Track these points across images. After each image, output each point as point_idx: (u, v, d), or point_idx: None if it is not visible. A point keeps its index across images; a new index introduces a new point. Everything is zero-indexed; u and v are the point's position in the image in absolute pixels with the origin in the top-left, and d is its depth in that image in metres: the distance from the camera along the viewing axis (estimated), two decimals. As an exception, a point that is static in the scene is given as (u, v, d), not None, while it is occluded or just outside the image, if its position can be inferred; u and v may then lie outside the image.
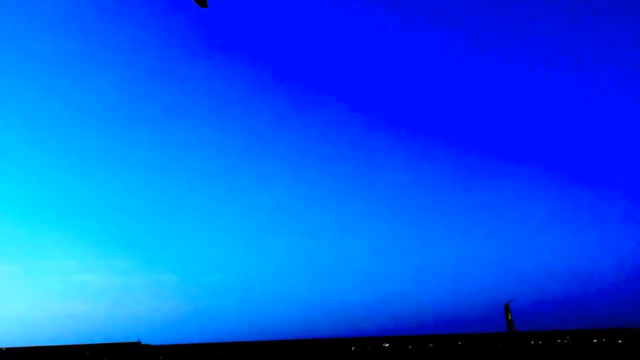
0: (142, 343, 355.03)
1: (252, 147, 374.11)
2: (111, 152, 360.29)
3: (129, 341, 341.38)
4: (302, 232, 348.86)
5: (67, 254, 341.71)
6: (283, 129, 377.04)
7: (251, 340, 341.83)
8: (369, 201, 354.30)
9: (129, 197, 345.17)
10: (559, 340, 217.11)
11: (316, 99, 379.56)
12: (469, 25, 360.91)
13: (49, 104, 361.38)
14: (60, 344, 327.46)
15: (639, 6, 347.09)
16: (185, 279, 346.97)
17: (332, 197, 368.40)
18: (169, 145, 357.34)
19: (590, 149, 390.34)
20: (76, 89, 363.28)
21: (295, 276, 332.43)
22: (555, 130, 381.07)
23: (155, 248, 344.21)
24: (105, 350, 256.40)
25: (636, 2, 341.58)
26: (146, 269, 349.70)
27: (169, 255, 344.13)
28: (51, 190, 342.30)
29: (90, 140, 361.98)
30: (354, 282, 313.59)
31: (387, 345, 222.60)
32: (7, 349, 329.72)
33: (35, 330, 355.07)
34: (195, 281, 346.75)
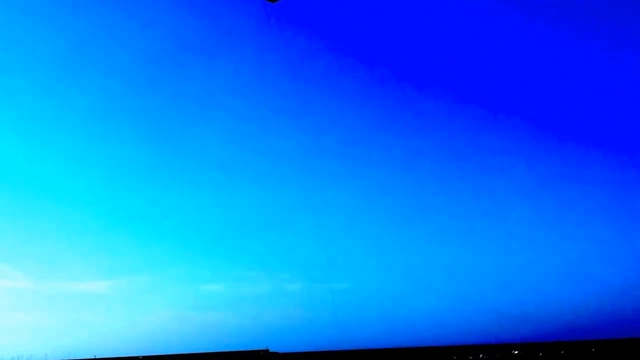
0: (270, 351, 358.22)
1: (375, 153, 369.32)
2: (229, 163, 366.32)
3: (257, 349, 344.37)
4: (431, 236, 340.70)
5: (195, 264, 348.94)
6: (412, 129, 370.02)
7: (379, 347, 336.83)
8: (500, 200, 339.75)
9: (250, 207, 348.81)
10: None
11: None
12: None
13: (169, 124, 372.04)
14: (194, 352, 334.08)
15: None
16: (310, 286, 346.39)
17: (463, 200, 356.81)
18: (289, 152, 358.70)
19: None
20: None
21: (426, 283, 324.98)
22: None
23: (281, 256, 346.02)
24: (235, 358, 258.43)
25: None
26: (271, 278, 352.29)
27: (293, 262, 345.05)
28: (175, 202, 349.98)
29: (209, 153, 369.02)
30: (487, 287, 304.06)
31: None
32: (145, 357, 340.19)
33: (169, 337, 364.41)
34: (320, 289, 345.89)
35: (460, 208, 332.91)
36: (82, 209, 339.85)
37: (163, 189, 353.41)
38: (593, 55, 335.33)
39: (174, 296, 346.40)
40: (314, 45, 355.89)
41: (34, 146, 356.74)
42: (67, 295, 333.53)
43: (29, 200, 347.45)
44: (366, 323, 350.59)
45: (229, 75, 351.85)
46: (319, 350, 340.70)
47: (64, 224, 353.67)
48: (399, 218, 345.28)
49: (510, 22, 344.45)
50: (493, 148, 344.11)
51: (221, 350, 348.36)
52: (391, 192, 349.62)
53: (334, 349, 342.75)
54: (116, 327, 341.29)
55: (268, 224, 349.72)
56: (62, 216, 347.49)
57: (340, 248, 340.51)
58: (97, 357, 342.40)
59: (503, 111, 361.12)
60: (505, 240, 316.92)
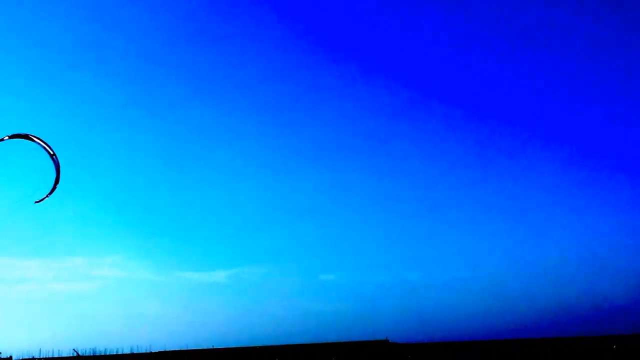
0: (389, 341, 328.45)
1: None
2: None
3: (377, 339, 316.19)
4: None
5: (310, 254, 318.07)
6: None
7: (493, 338, 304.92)
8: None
9: (365, 194, 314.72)
10: None
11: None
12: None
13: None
14: (309, 342, 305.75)
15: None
16: (429, 276, 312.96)
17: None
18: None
19: None
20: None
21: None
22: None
23: (402, 245, 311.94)
24: (355, 348, 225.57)
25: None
26: (391, 267, 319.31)
27: (412, 252, 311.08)
28: (291, 191, 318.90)
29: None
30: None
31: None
32: (262, 347, 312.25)
33: (285, 328, 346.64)
34: (441, 277, 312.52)
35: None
36: (199, 202, 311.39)
37: (279, 179, 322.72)
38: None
39: (291, 286, 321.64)
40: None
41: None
42: (187, 284, 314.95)
43: (151, 194, 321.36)
44: (487, 313, 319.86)
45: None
46: (440, 340, 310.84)
47: (182, 215, 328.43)
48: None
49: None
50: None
51: (339, 341, 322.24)
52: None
53: (454, 339, 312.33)
54: (233, 316, 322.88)
55: (386, 213, 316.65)
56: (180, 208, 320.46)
57: (460, 240, 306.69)
58: (214, 346, 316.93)
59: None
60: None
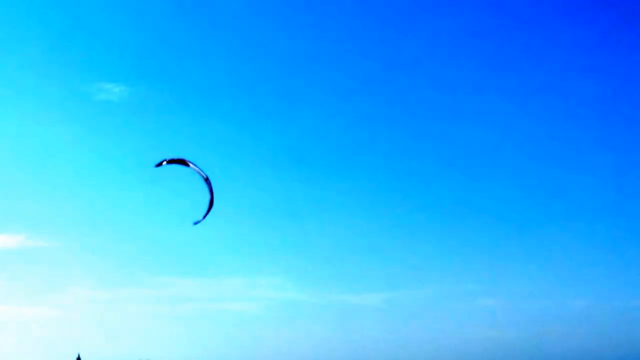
0: None
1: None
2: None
3: None
4: None
5: (468, 278, 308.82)
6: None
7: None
8: None
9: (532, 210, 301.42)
10: None
11: None
12: None
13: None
14: None
15: None
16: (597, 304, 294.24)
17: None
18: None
19: None
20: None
21: None
22: None
23: (561, 267, 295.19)
24: None
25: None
26: (553, 293, 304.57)
27: (579, 275, 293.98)
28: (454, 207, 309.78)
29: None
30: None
31: None
32: None
33: (443, 354, 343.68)
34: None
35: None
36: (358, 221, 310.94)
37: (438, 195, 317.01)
38: None
39: (451, 311, 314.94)
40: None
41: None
42: (341, 307, 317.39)
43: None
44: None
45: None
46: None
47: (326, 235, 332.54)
48: None
49: None
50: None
51: None
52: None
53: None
54: (388, 340, 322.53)
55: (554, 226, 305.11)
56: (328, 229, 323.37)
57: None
58: None
59: None
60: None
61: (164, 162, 28.22)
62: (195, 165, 27.00)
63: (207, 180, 25.77)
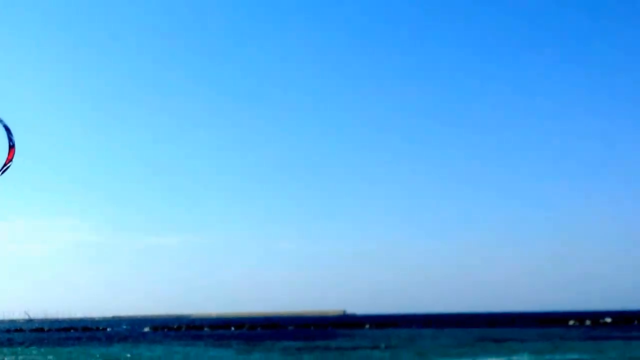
0: (346, 312, 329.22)
1: None
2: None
3: (333, 309, 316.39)
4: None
5: (269, 221, 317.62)
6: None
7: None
8: None
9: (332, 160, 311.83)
10: None
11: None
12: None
13: None
14: (265, 311, 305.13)
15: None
16: (388, 247, 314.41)
17: None
18: None
19: None
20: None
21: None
22: None
23: (358, 214, 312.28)
24: (310, 319, 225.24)
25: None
26: (350, 236, 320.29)
27: (372, 219, 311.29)
28: (249, 160, 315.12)
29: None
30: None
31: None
32: (216, 315, 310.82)
33: (240, 295, 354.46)
34: (401, 249, 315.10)
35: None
36: (153, 165, 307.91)
37: (235, 147, 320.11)
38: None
39: (247, 253, 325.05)
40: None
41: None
42: (136, 248, 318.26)
43: (99, 156, 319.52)
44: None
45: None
46: (399, 313, 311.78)
47: (137, 178, 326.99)
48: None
49: None
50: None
51: (295, 310, 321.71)
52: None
53: (415, 313, 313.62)
54: (185, 283, 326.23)
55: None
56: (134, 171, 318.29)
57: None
58: (161, 314, 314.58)
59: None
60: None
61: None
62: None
63: (7, 129, 23.67)
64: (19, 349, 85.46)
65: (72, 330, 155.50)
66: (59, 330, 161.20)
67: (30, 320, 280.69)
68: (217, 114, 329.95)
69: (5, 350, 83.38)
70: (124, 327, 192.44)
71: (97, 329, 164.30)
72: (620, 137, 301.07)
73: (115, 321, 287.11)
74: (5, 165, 20.88)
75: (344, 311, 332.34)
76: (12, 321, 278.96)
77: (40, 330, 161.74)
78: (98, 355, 71.06)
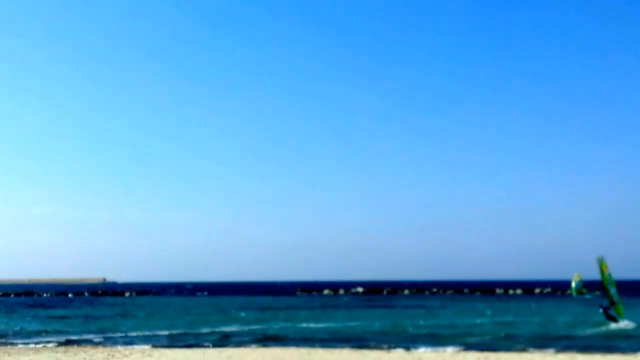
0: (106, 280, 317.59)
1: None
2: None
3: (93, 277, 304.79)
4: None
5: (27, 183, 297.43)
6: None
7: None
8: None
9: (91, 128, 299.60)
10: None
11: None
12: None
13: None
14: (18, 278, 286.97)
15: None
16: (149, 215, 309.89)
17: None
18: None
19: None
20: None
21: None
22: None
23: (119, 182, 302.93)
24: (68, 286, 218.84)
25: None
26: (111, 203, 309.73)
27: (134, 186, 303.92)
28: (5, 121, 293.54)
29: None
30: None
31: None
32: None
33: None
34: (160, 217, 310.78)
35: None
36: None
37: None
38: None
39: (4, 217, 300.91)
40: None
41: None
42: None
43: None
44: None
45: None
46: (163, 282, 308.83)
47: None
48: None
49: None
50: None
51: (52, 277, 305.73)
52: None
53: (179, 281, 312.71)
54: None
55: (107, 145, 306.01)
56: None
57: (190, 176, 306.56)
58: None
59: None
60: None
61: None
62: None
63: None
64: None
65: None
66: None
67: None
68: None
69: None
70: None
71: None
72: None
73: None
74: None
75: (104, 279, 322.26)
76: None
77: None
78: None
